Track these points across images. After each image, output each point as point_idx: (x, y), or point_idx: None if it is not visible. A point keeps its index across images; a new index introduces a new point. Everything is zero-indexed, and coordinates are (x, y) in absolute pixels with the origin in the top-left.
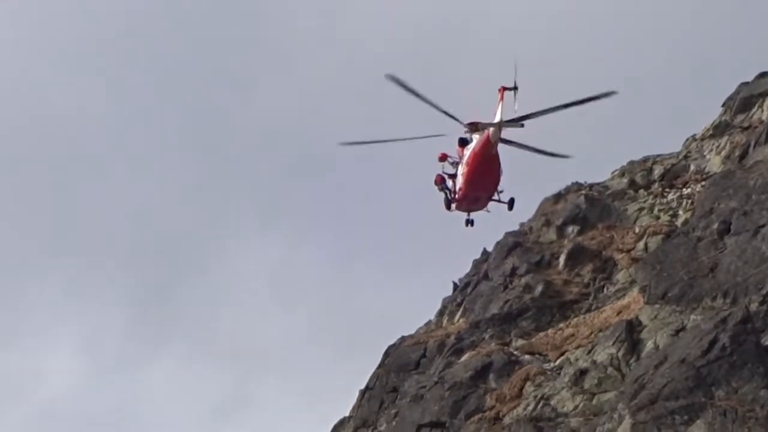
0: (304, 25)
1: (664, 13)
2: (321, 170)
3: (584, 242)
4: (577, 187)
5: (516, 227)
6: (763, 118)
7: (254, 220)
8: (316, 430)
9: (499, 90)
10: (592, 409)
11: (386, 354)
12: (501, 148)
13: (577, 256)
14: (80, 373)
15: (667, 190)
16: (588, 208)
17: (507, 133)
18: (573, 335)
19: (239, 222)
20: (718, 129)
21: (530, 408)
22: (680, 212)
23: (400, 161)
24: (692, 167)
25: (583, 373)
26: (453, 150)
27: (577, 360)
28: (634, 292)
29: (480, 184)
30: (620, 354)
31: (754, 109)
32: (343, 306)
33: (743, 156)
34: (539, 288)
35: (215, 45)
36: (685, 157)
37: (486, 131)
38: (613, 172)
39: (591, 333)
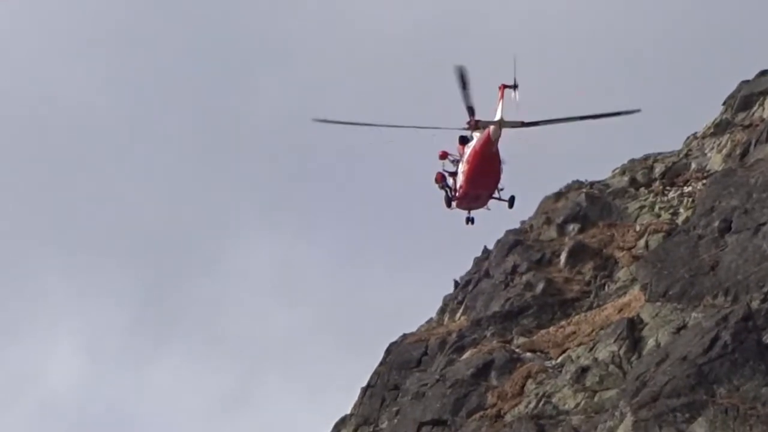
0: (306, 23)
1: (664, 12)
2: (323, 168)
3: (585, 240)
4: (578, 185)
5: (517, 225)
6: (764, 116)
7: (256, 218)
8: (317, 428)
9: (500, 88)
10: (594, 406)
11: (388, 351)
12: (506, 143)
13: (578, 254)
14: (82, 370)
15: (668, 188)
16: (589, 206)
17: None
18: (574, 333)
19: (241, 220)
20: (719, 127)
21: (532, 406)
22: (681, 210)
23: (401, 159)
24: (693, 165)
25: (584, 370)
26: (453, 148)
27: (578, 358)
28: (635, 289)
29: (480, 182)
30: (622, 352)
31: (755, 108)
32: (345, 304)
33: (744, 154)
34: (540, 286)
35: (217, 44)
36: (686, 155)
37: (486, 129)
38: (613, 170)
39: (592, 331)
